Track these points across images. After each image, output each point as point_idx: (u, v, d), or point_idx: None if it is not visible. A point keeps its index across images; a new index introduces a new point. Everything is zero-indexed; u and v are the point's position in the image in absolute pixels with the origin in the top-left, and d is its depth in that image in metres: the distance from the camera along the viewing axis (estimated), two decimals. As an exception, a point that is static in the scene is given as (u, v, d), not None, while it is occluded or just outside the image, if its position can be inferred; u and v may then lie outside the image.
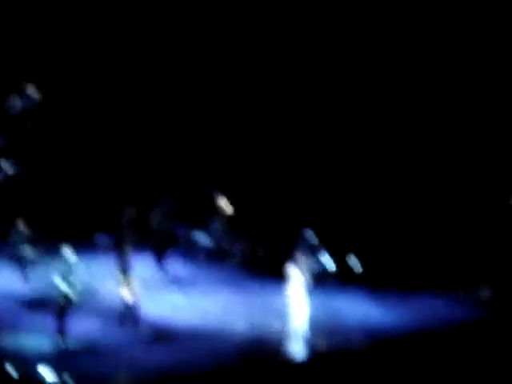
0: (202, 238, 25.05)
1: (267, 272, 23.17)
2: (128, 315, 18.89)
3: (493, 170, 25.97)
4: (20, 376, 15.35)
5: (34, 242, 22.02)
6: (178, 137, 27.42)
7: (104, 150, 26.81)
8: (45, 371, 15.56)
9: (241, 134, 27.46)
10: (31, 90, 26.12)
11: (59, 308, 17.69)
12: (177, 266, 23.96)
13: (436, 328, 20.00)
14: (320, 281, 21.26)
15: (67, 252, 18.12)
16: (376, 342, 19.00)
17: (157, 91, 27.71)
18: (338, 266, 23.14)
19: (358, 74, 27.45)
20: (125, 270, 19.10)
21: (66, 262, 18.03)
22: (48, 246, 21.41)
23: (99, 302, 20.08)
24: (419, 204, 25.63)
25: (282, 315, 19.67)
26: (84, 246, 22.45)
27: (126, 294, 18.81)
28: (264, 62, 27.93)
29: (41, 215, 24.05)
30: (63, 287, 17.65)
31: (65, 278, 17.77)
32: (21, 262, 21.81)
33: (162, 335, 18.67)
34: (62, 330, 17.58)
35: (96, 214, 25.05)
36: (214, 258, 24.78)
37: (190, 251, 25.04)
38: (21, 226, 22.11)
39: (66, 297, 17.67)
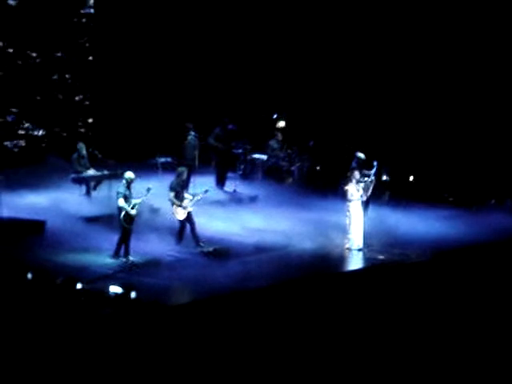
0: (262, 158, 25.15)
1: (325, 189, 23.35)
2: (182, 233, 18.93)
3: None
4: (87, 289, 15.34)
5: (98, 165, 22.16)
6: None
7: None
8: (111, 285, 15.56)
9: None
10: None
11: (122, 226, 17.64)
12: (238, 184, 23.94)
13: (494, 238, 20.09)
14: (377, 196, 21.25)
15: (131, 173, 17.99)
16: (435, 252, 19.03)
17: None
18: (393, 183, 23.24)
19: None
20: (179, 190, 18.94)
21: (129, 183, 17.89)
22: (112, 168, 21.55)
23: (160, 220, 20.04)
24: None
25: (342, 230, 19.50)
26: (147, 168, 23.06)
27: (179, 214, 18.75)
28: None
29: (106, 141, 24.39)
30: (126, 206, 17.54)
31: (127, 199, 17.64)
32: (87, 183, 21.96)
33: (220, 251, 18.70)
34: (126, 247, 17.62)
35: (158, 137, 25.20)
36: (274, 176, 24.94)
37: (250, 170, 25.19)
38: (84, 150, 22.21)
39: (127, 215, 17.57)
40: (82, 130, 26.72)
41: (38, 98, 26.81)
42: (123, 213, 17.50)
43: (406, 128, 25.66)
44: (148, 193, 18.02)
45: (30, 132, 26.29)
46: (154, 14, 27.28)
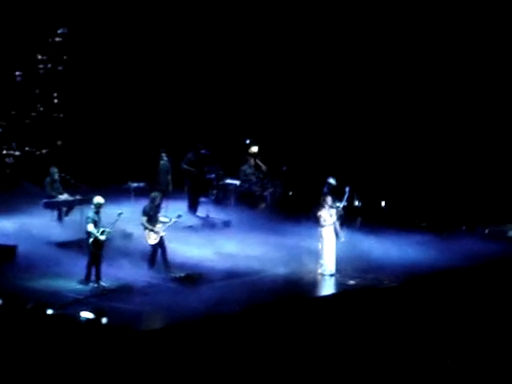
0: (235, 183, 25.13)
1: (298, 214, 23.25)
2: (154, 258, 18.82)
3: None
4: (57, 314, 15.22)
5: (71, 189, 21.95)
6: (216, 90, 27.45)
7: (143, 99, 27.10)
8: (82, 310, 15.37)
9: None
10: None
11: (92, 251, 17.54)
12: (210, 209, 23.89)
13: (466, 264, 20.20)
14: (347, 222, 21.18)
15: (101, 198, 17.93)
16: (407, 277, 19.09)
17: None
18: (365, 208, 23.29)
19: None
20: (152, 214, 18.85)
21: (98, 208, 17.83)
22: (84, 193, 21.38)
23: (132, 245, 19.97)
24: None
25: (315, 255, 19.48)
26: (120, 193, 23.05)
27: (151, 238, 18.66)
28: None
29: (79, 165, 24.27)
30: (94, 232, 17.46)
31: (96, 224, 17.58)
32: (59, 208, 21.74)
33: (193, 276, 18.60)
34: (96, 271, 17.49)
35: (131, 162, 25.19)
36: (247, 201, 24.92)
37: (223, 195, 25.18)
38: (56, 175, 22.02)
39: (95, 241, 17.47)
40: (52, 153, 26.52)
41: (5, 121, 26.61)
42: (92, 238, 17.42)
43: (378, 153, 25.75)
44: (119, 217, 17.93)
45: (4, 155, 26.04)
46: (126, 38, 27.19)
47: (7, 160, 23.08)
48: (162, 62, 27.37)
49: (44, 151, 26.09)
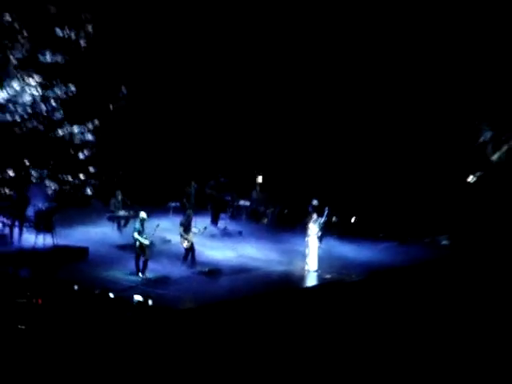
0: (246, 204, 25.03)
1: (290, 227, 23.13)
2: (186, 257, 18.68)
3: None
4: (117, 297, 15.20)
5: (127, 207, 21.93)
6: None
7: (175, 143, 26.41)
8: (134, 294, 15.41)
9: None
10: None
11: (138, 252, 17.47)
12: (226, 223, 23.81)
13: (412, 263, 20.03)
14: (327, 232, 21.06)
15: (144, 214, 17.84)
16: (370, 273, 18.77)
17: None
18: (340, 223, 23.02)
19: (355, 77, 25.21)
20: (186, 226, 18.72)
21: (142, 221, 17.72)
22: (136, 210, 21.13)
23: (170, 248, 19.93)
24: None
25: (303, 257, 19.25)
26: (162, 210, 22.88)
27: (185, 243, 18.57)
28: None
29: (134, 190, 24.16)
30: (139, 238, 17.38)
31: (141, 232, 17.48)
32: (119, 221, 21.92)
33: (214, 271, 18.37)
34: (143, 267, 17.40)
35: (170, 187, 24.91)
36: (254, 217, 24.84)
37: (237, 213, 25.02)
38: (120, 196, 22.13)
39: (141, 245, 17.41)
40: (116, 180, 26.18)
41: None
42: (138, 243, 17.32)
43: (349, 181, 25.07)
44: (157, 228, 17.78)
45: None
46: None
47: (88, 189, 22.73)
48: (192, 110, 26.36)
49: (107, 178, 25.81)
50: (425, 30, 23.68)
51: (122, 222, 21.60)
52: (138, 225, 17.51)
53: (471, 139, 23.89)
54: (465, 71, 23.46)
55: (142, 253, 17.38)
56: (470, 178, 23.95)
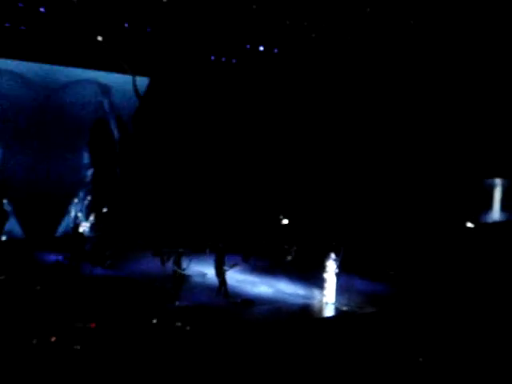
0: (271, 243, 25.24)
1: (311, 264, 22.85)
2: (220, 288, 19.53)
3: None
4: (158, 322, 16.25)
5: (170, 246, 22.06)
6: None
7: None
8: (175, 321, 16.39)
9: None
10: None
11: (175, 282, 18.75)
12: (256, 261, 24.18)
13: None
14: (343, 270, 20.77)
15: (181, 250, 19.19)
16: (382, 306, 19.15)
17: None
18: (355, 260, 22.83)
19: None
20: (219, 262, 19.74)
21: (180, 256, 18.99)
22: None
23: (207, 280, 20.85)
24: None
25: (322, 289, 19.75)
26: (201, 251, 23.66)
27: (220, 276, 19.56)
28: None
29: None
30: (179, 271, 18.74)
31: (179, 267, 18.81)
32: (161, 256, 22.51)
33: (246, 301, 19.08)
34: (177, 294, 18.59)
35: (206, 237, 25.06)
36: (280, 256, 24.88)
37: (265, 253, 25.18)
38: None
39: (180, 277, 18.74)
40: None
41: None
42: (176, 273, 18.86)
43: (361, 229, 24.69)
44: (190, 262, 19.05)
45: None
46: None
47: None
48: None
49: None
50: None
51: (165, 257, 22.23)
52: (176, 258, 18.91)
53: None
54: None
55: (179, 282, 18.66)
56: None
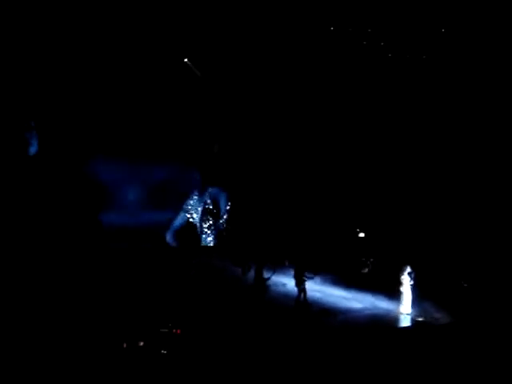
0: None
1: (387, 276, 22.55)
2: (300, 297, 19.80)
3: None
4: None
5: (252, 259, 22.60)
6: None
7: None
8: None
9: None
10: None
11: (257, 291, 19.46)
12: (332, 273, 23.79)
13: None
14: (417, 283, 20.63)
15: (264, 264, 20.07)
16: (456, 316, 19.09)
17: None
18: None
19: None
20: (299, 273, 19.86)
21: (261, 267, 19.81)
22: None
23: (286, 290, 21.11)
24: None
25: (398, 302, 19.96)
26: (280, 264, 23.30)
27: (299, 286, 19.89)
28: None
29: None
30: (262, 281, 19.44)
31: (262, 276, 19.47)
32: (243, 266, 23.01)
33: (325, 310, 19.42)
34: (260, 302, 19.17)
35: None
36: (357, 268, 24.95)
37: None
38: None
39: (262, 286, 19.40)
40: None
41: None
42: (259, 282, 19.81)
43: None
44: (273, 273, 19.79)
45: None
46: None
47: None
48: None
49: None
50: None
51: (246, 267, 22.85)
52: (259, 268, 19.87)
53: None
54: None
55: (262, 291, 19.40)
56: None
